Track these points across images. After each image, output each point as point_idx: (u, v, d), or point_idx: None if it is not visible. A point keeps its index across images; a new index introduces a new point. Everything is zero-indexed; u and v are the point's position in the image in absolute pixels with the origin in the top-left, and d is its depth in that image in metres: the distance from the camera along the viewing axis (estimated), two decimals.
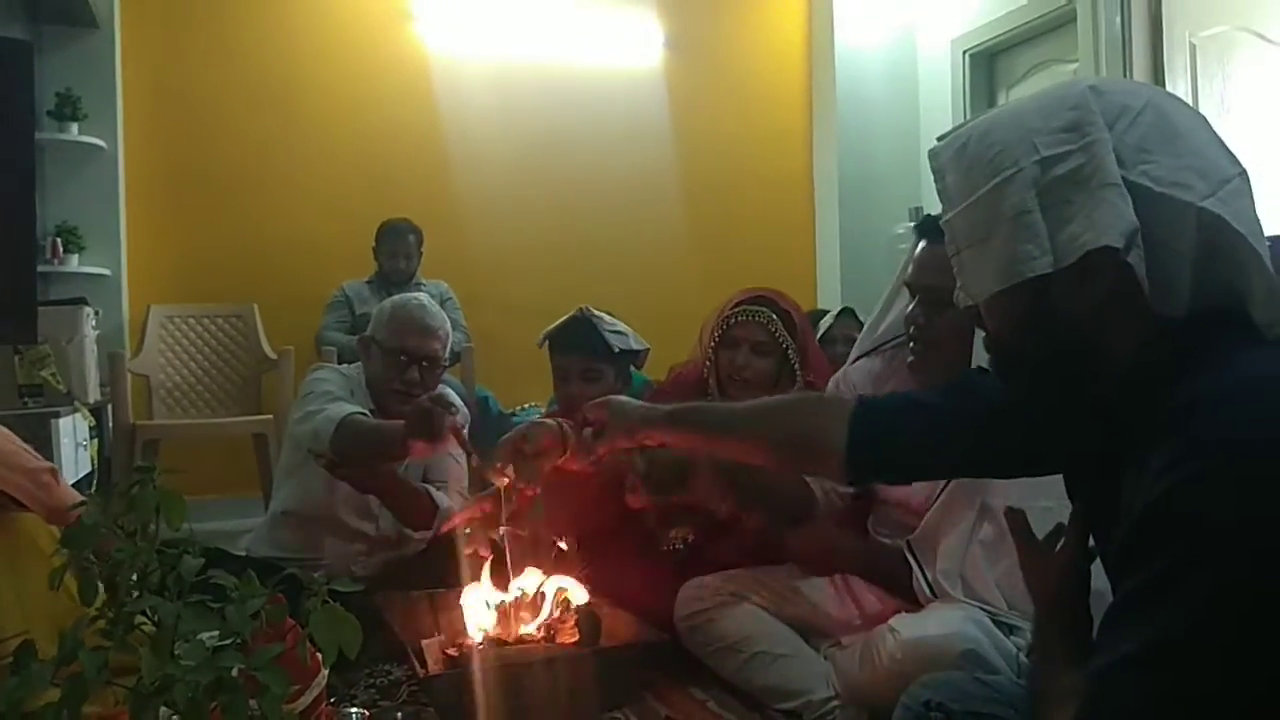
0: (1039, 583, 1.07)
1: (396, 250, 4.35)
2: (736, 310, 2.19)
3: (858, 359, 1.96)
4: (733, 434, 1.34)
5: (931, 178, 1.03)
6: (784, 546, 1.92)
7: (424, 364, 2.31)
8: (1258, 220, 0.90)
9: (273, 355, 4.11)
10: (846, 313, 2.98)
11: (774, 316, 2.16)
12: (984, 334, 1.04)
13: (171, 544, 0.92)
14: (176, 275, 4.35)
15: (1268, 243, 0.89)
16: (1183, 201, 0.87)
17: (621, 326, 2.44)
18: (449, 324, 2.41)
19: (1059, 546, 1.07)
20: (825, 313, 4.03)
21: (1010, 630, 1.51)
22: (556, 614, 1.59)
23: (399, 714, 1.55)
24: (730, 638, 1.90)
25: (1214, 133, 0.94)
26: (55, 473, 1.70)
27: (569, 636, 1.57)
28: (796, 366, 2.16)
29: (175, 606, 0.81)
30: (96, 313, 3.37)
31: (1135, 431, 0.89)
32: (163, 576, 0.87)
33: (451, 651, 1.53)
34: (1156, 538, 0.80)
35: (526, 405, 4.84)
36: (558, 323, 2.40)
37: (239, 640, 0.84)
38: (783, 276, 5.17)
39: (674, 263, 5.15)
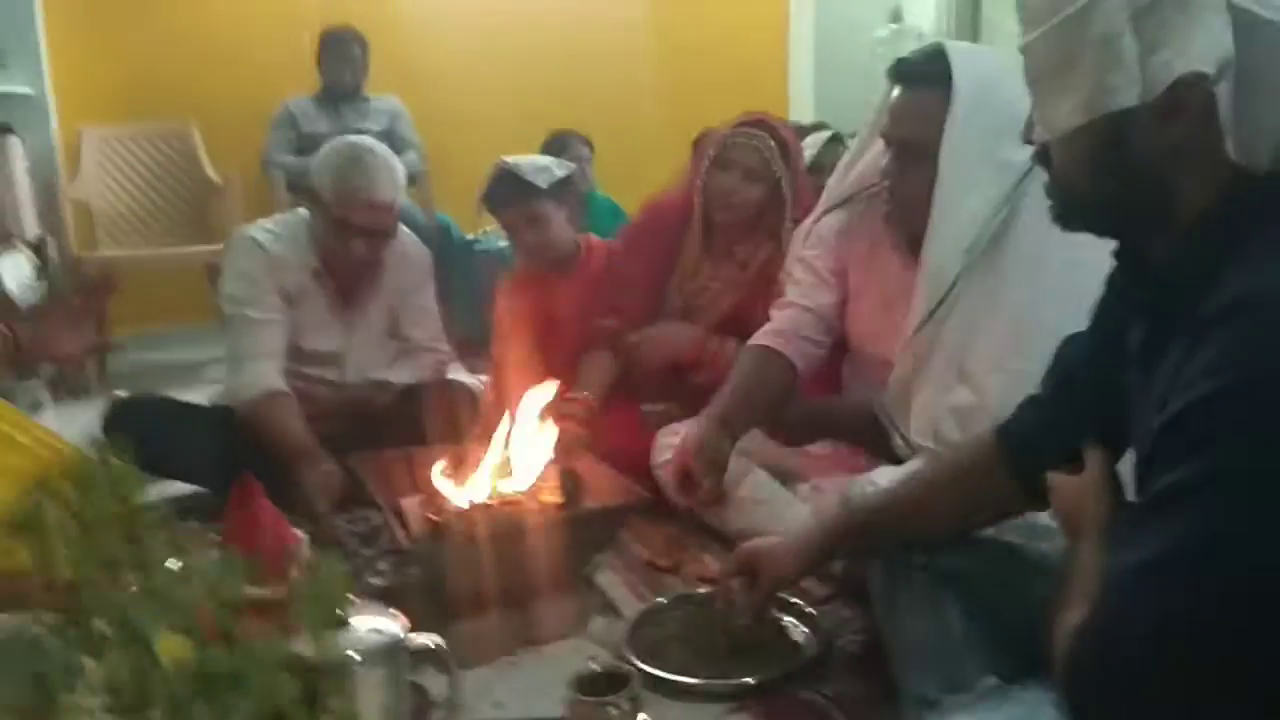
0: (1068, 510, 1.04)
1: (340, 62, 4.10)
2: (735, 133, 2.10)
3: (826, 211, 1.87)
4: (912, 532, 1.29)
5: None
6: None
7: (371, 234, 2.14)
8: None
9: (217, 179, 3.92)
10: (835, 139, 2.88)
11: (771, 144, 2.09)
12: (1046, 177, 0.96)
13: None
14: (108, 92, 4.07)
15: None
16: None
17: (542, 161, 2.40)
18: (401, 182, 2.20)
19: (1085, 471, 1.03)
20: (804, 129, 3.90)
21: None
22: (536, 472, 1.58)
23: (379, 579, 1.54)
24: None
25: None
26: None
27: (551, 496, 1.56)
28: (787, 196, 2.10)
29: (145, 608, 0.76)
30: (23, 140, 3.15)
31: (1187, 316, 0.83)
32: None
33: (432, 515, 1.51)
34: (1187, 442, 0.77)
35: (488, 230, 4.71)
36: (486, 185, 2.35)
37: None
38: (752, 86, 4.99)
39: (636, 72, 4.92)
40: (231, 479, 2.04)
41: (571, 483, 1.59)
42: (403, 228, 2.38)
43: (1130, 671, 0.76)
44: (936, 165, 1.55)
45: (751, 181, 2.08)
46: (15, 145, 2.93)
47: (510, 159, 2.41)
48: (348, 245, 2.12)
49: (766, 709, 1.36)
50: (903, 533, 1.29)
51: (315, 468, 1.96)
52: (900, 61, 1.67)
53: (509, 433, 1.59)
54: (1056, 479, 1.09)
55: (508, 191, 2.35)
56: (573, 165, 2.57)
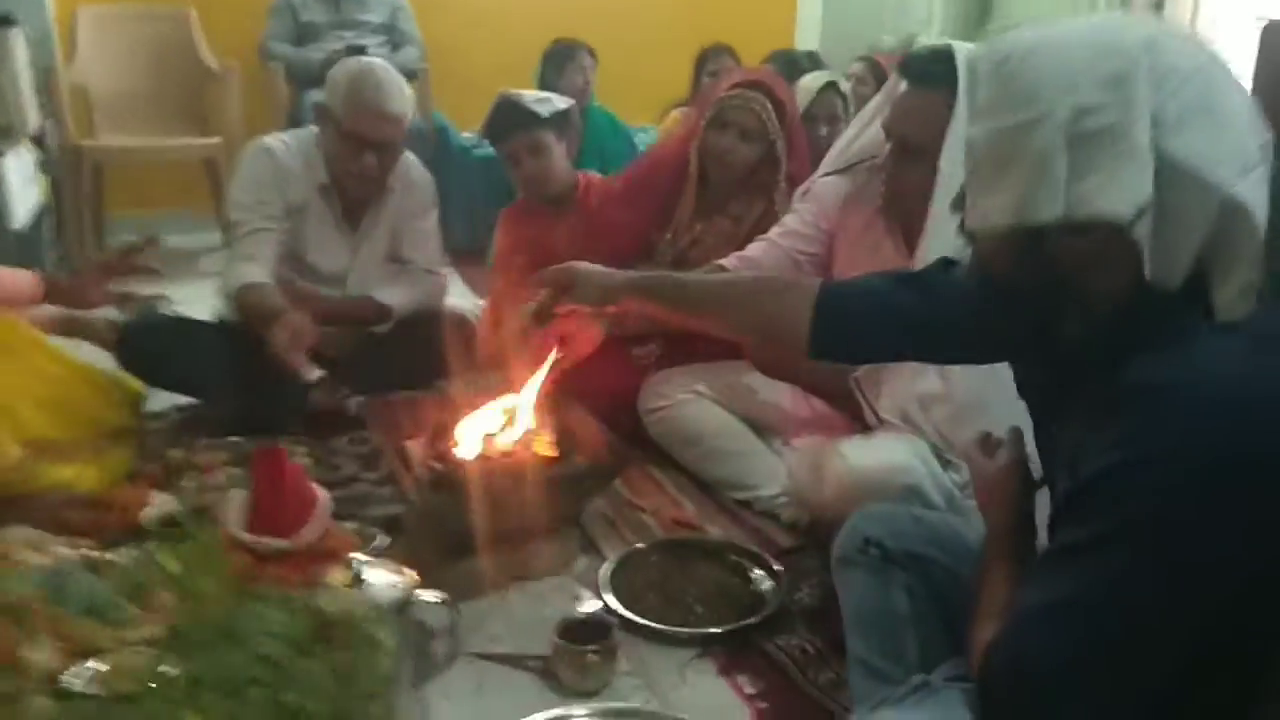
0: (989, 501, 1.18)
1: None
2: (732, 93, 2.15)
3: (827, 175, 1.94)
4: (700, 310, 1.37)
5: None
6: (745, 357, 2.02)
7: (381, 148, 2.21)
8: (1268, 207, 0.91)
9: (214, 66, 3.89)
10: (830, 87, 2.88)
11: (768, 105, 2.13)
12: (970, 249, 1.05)
13: None
14: None
15: None
16: (1210, 183, 0.87)
17: (543, 94, 2.48)
18: (409, 97, 2.27)
19: (1001, 464, 1.17)
20: (805, 60, 3.89)
21: (947, 464, 1.66)
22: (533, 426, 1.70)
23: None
24: (689, 431, 2.05)
25: (1254, 110, 0.92)
26: None
27: (546, 450, 1.69)
28: (781, 157, 2.17)
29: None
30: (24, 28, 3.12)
31: (1094, 387, 0.95)
32: None
33: (435, 465, 1.64)
34: (1096, 505, 0.90)
35: None
36: (488, 115, 2.41)
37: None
38: (759, 4, 4.92)
39: None
40: (233, 393, 2.19)
41: (567, 440, 1.71)
42: (409, 153, 2.44)
43: (1036, 700, 0.91)
44: (935, 166, 1.61)
45: (747, 141, 2.14)
46: (17, 36, 2.91)
47: (512, 90, 2.45)
48: (359, 158, 2.20)
49: (727, 656, 1.53)
50: (694, 309, 1.38)
51: (286, 316, 2.06)
52: (908, 58, 1.72)
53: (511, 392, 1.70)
54: (976, 464, 1.24)
55: (509, 121, 2.40)
56: (572, 100, 2.61)
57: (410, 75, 4.12)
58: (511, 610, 1.64)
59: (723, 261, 1.93)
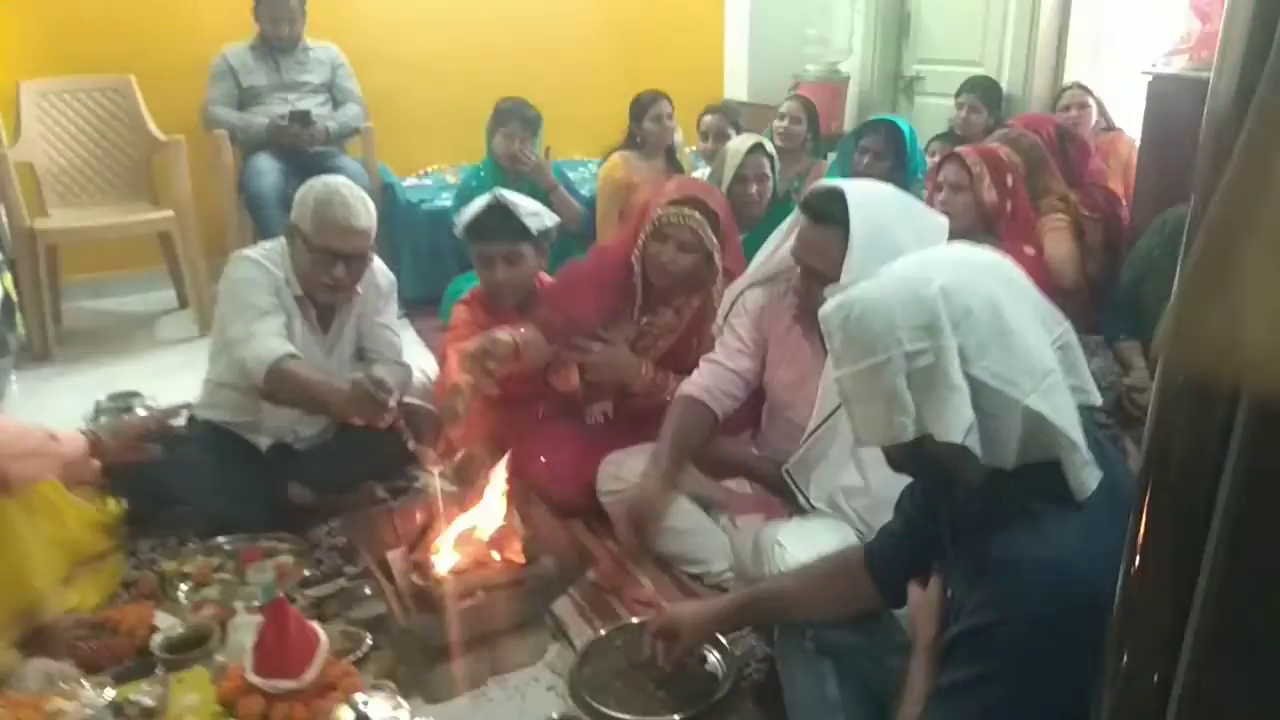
0: (916, 617, 1.42)
1: (278, 14, 4.09)
2: (669, 210, 2.33)
3: (751, 284, 2.17)
4: (792, 613, 1.64)
5: None
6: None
7: (350, 260, 2.36)
8: (1072, 406, 1.17)
9: (160, 136, 3.97)
10: (757, 149, 3.08)
11: (703, 220, 2.32)
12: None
13: None
14: (42, 45, 4.04)
15: None
16: (1012, 398, 1.14)
17: (535, 206, 2.55)
18: (373, 210, 2.40)
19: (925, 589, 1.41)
20: (730, 109, 4.09)
21: None
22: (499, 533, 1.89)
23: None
24: None
25: (1040, 320, 1.19)
26: (52, 434, 1.90)
27: (516, 555, 1.88)
28: (717, 259, 2.37)
29: None
30: None
31: (972, 550, 1.21)
32: None
33: (416, 580, 1.82)
34: (972, 652, 1.17)
35: (429, 170, 4.83)
36: (475, 210, 2.49)
37: None
38: (690, 58, 5.13)
39: (579, 41, 5.08)
40: (212, 498, 2.33)
41: (535, 545, 1.90)
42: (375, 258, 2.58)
43: None
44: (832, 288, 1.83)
45: (685, 252, 2.34)
46: None
47: (507, 194, 2.53)
48: (330, 270, 2.34)
49: None
50: (790, 615, 1.65)
51: (341, 392, 2.24)
52: (808, 198, 1.94)
53: (473, 505, 1.89)
54: (911, 593, 1.47)
55: (497, 226, 2.50)
56: (557, 219, 2.68)
57: (354, 132, 4.27)
58: (492, 707, 1.83)
59: (687, 391, 2.17)
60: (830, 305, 1.23)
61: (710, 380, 2.18)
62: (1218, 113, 0.61)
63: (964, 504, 1.26)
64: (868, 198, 1.86)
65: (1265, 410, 0.59)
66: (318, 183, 2.39)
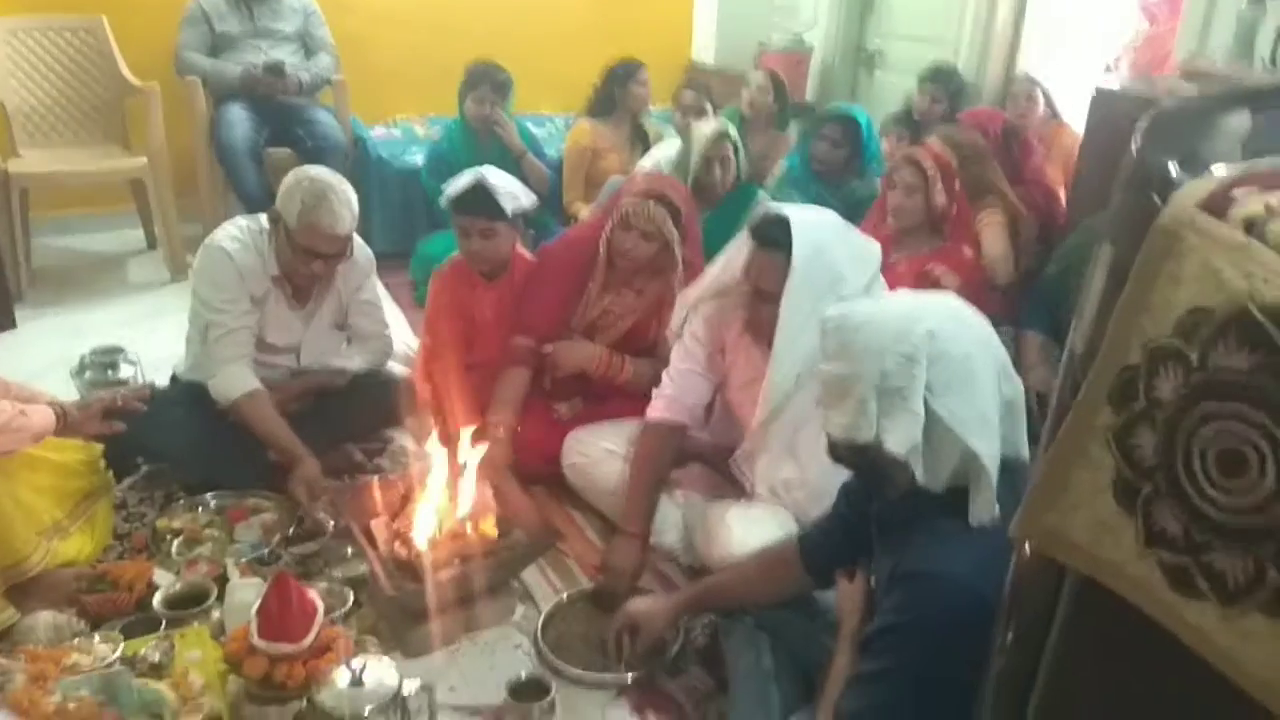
0: (845, 607, 1.65)
1: None
2: (636, 202, 2.51)
3: (704, 295, 2.32)
4: (734, 601, 1.92)
5: None
6: None
7: (330, 257, 2.47)
8: (997, 453, 1.39)
9: (133, 80, 3.99)
10: (722, 136, 3.23)
11: (667, 215, 2.51)
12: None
13: None
14: None
15: None
16: (958, 434, 1.36)
17: (514, 188, 2.68)
18: (355, 207, 2.45)
19: (853, 584, 1.64)
20: (705, 86, 4.23)
21: None
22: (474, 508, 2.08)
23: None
24: (603, 484, 2.46)
25: (998, 377, 1.40)
26: (22, 409, 2.00)
27: (491, 530, 2.08)
28: (676, 250, 2.56)
29: None
30: None
31: (890, 562, 1.43)
32: None
33: (398, 549, 2.02)
34: (882, 647, 1.41)
35: (398, 118, 4.88)
36: (460, 186, 2.62)
37: None
38: (661, 24, 5.19)
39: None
40: (198, 456, 2.48)
41: (507, 520, 2.10)
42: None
43: None
44: (778, 304, 2.04)
45: (647, 241, 2.54)
46: None
47: (490, 176, 2.66)
48: (309, 265, 2.45)
49: (639, 694, 1.97)
50: (736, 602, 1.90)
51: (301, 469, 2.38)
52: (756, 224, 2.11)
53: (451, 477, 2.08)
54: (840, 584, 1.71)
55: (476, 203, 2.63)
56: (535, 199, 2.80)
57: (326, 82, 4.31)
58: (464, 662, 2.04)
59: (657, 415, 2.33)
60: (836, 309, 1.44)
61: (676, 390, 2.35)
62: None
63: (887, 509, 1.48)
64: (809, 225, 2.04)
65: (1083, 577, 0.87)
66: (306, 179, 2.42)
